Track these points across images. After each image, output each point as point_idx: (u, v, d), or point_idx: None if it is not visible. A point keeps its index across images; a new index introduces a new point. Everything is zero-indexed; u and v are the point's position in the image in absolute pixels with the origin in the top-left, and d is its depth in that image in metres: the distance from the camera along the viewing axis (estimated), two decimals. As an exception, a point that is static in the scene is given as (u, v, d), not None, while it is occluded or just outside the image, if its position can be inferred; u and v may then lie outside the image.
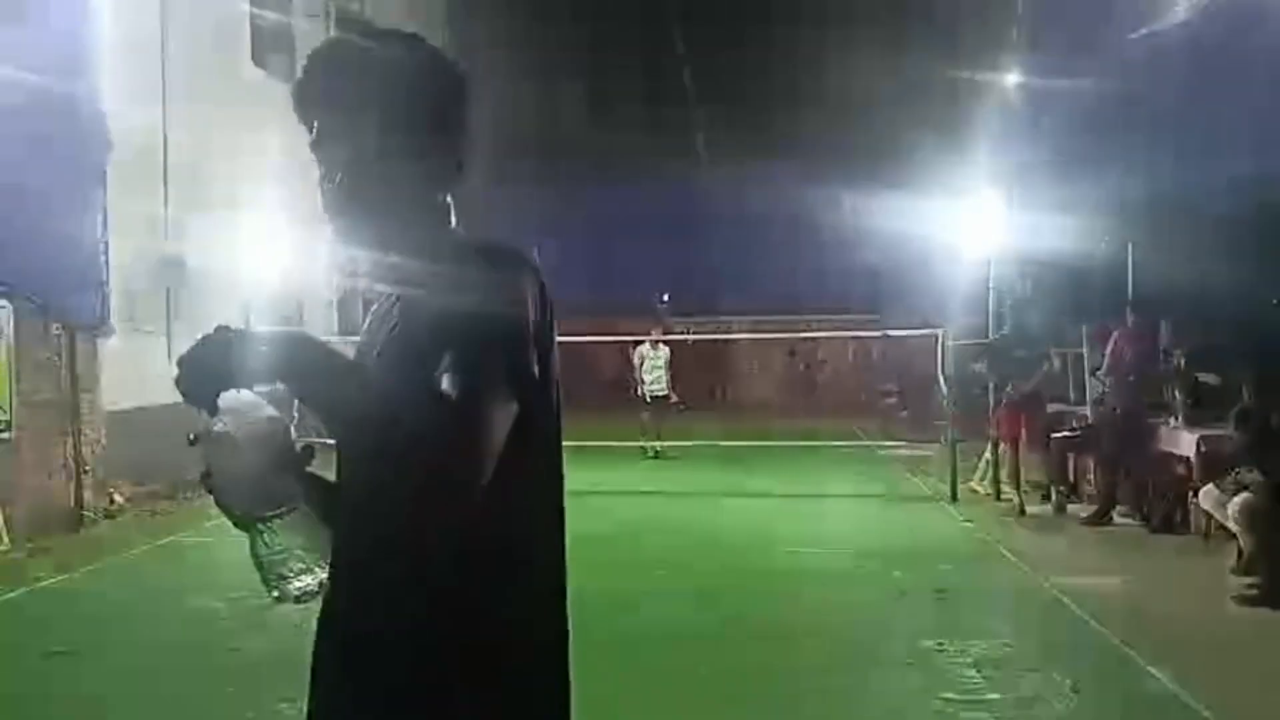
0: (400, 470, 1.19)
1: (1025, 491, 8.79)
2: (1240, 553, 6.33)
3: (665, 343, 13.48)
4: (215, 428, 1.19)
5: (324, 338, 1.41)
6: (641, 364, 13.07)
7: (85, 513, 8.42)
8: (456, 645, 1.30)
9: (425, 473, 1.18)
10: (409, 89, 1.42)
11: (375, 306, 1.52)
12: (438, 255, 1.35)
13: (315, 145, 1.45)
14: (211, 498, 1.23)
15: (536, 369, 1.32)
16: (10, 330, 7.73)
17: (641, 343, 13.40)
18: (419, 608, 1.30)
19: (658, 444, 12.87)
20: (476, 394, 1.21)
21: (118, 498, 8.87)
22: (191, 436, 1.21)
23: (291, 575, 1.26)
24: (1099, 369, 8.85)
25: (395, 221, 1.41)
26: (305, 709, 1.41)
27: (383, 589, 1.32)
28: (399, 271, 1.41)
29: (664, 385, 12.96)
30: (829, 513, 9.18)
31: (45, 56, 7.90)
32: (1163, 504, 7.82)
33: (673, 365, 13.25)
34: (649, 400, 12.99)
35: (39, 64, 7.75)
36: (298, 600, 1.27)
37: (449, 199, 1.50)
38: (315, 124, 1.43)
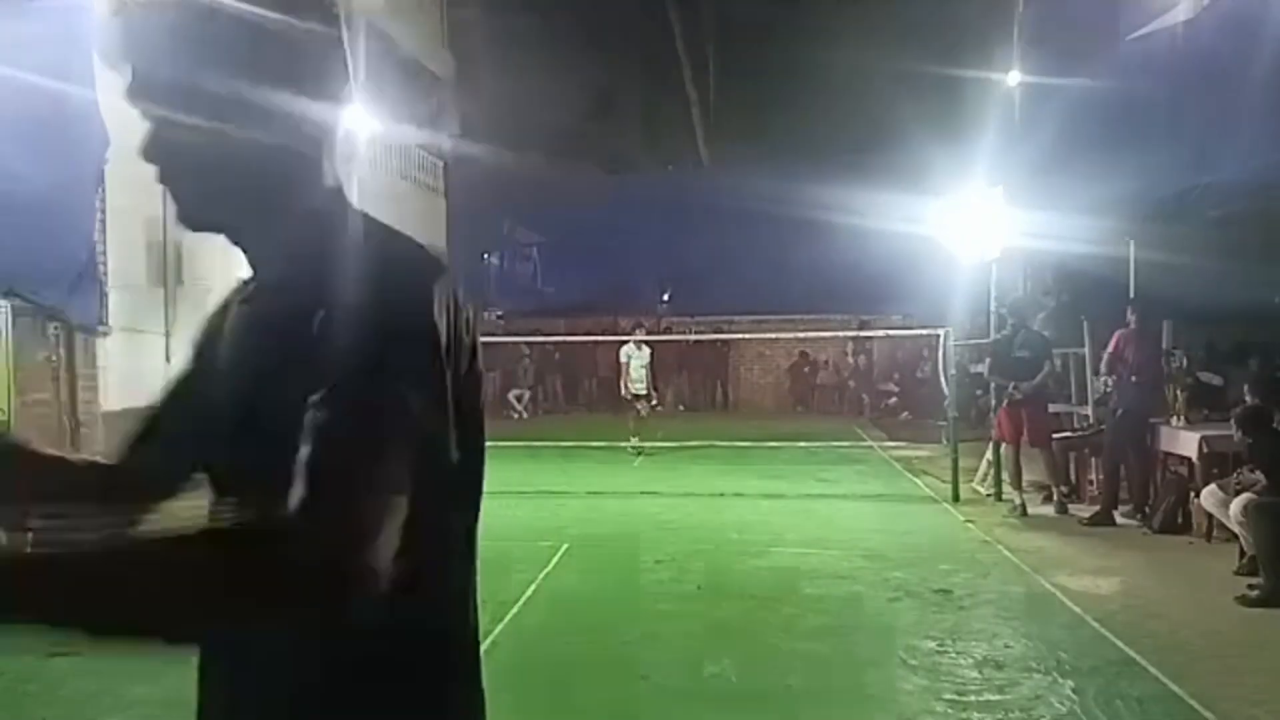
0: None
1: (1027, 492, 8.77)
2: (1242, 553, 6.32)
3: (647, 343, 13.58)
4: None
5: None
6: (628, 363, 13.14)
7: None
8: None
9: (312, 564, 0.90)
10: (271, 39, 1.06)
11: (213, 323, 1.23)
12: (317, 256, 1.05)
13: (160, 127, 1.07)
14: None
15: (445, 397, 1.04)
16: (8, 330, 7.70)
17: (626, 343, 13.48)
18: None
19: (637, 442, 12.89)
20: (369, 459, 0.95)
21: (116, 498, 8.85)
22: None
23: None
24: (1101, 369, 8.83)
25: (265, 217, 1.11)
26: None
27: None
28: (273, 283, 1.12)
29: (645, 385, 13.08)
30: (829, 513, 9.15)
31: (45, 56, 7.87)
32: (1164, 504, 7.81)
33: (653, 365, 13.38)
34: (631, 399, 13.10)
35: (38, 63, 7.73)
36: None
37: (339, 179, 1.16)
38: (141, 86, 1.07)
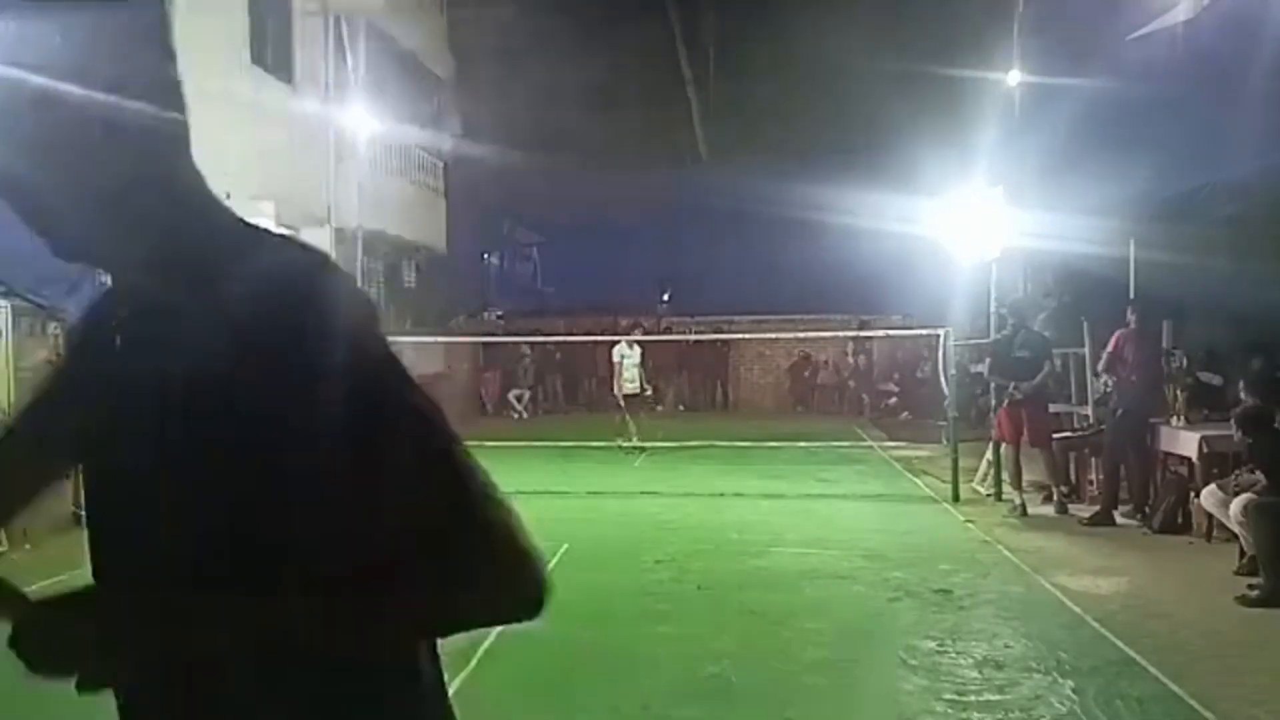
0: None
1: (1027, 492, 8.76)
2: (1242, 553, 6.32)
3: (639, 342, 13.67)
4: None
5: None
6: (620, 363, 13.18)
7: (83, 512, 8.40)
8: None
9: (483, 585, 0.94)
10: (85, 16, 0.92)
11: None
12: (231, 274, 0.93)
13: None
14: None
15: None
16: (8, 330, 7.70)
17: (618, 342, 13.57)
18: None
19: (635, 442, 12.92)
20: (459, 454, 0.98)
21: (116, 498, 8.85)
22: None
23: None
24: (1101, 369, 8.83)
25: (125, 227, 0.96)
26: None
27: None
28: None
29: (638, 384, 13.17)
30: (829, 513, 9.15)
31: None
32: (1164, 504, 7.80)
33: (645, 364, 13.48)
34: (625, 398, 13.16)
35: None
36: None
37: (197, 172, 1.04)
38: None
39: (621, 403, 13.21)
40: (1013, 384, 8.78)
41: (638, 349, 13.41)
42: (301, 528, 0.92)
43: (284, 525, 0.92)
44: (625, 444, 12.95)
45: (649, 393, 13.63)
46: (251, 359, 0.90)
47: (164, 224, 0.98)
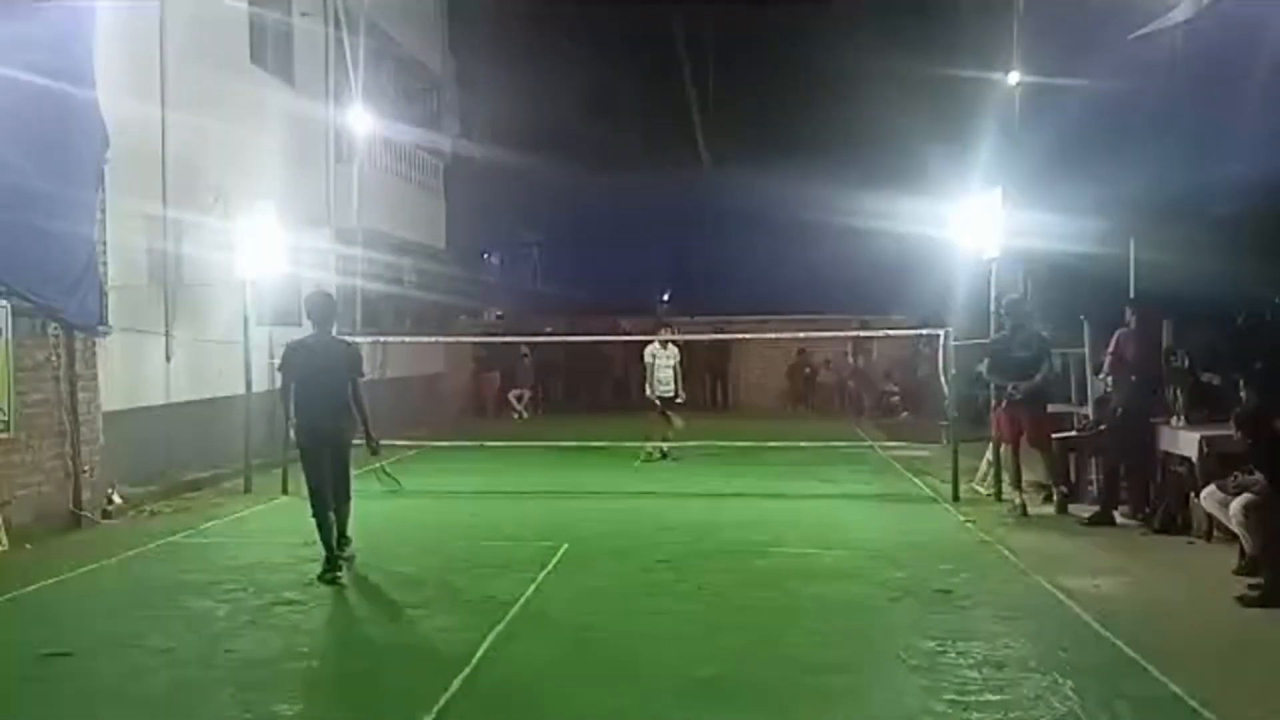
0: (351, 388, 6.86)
1: (1027, 492, 8.76)
2: (1242, 553, 6.31)
3: (674, 342, 12.98)
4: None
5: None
6: (653, 364, 12.64)
7: (83, 513, 8.40)
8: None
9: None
10: None
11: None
12: None
13: None
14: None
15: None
16: (8, 330, 7.70)
17: (650, 342, 12.88)
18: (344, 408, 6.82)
19: (666, 445, 12.67)
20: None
21: (115, 498, 8.85)
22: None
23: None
24: (1101, 369, 8.82)
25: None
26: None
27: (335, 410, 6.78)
28: None
29: (672, 386, 12.59)
30: (829, 513, 9.16)
31: (45, 56, 7.87)
32: (1164, 504, 7.80)
33: (683, 365, 12.87)
34: (659, 400, 12.57)
35: (38, 64, 7.73)
36: None
37: None
38: None
39: (656, 405, 12.54)
40: (1011, 384, 8.76)
41: (673, 349, 12.71)
42: (345, 380, 6.81)
43: (344, 379, 6.77)
44: (661, 445, 12.58)
45: (682, 399, 12.76)
46: (343, 355, 6.89)
47: (330, 328, 7.07)
